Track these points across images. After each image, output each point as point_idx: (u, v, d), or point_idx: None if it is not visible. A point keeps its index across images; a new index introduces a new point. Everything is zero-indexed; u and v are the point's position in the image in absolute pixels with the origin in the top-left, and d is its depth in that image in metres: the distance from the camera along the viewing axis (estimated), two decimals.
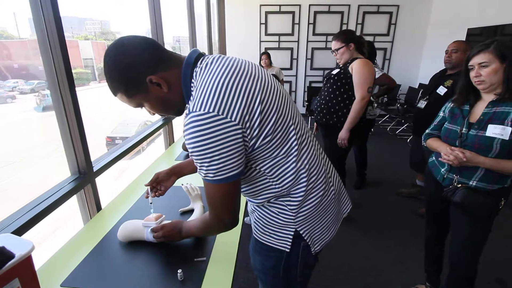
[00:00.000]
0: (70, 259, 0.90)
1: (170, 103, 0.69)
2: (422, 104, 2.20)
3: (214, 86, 0.60)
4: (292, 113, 0.72)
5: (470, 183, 1.19)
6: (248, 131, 0.62)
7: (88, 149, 1.16)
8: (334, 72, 2.03)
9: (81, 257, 0.91)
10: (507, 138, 1.07)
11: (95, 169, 1.22)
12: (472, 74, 1.16)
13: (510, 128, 1.07)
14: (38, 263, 0.86)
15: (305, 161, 0.73)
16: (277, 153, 0.68)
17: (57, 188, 1.04)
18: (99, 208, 1.23)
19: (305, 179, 0.72)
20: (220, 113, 0.58)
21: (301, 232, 0.77)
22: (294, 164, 0.70)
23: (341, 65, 2.03)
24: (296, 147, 0.70)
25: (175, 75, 0.66)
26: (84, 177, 1.15)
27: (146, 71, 0.63)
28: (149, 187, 1.03)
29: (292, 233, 0.77)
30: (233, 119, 0.59)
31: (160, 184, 1.04)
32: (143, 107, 0.71)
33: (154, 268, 0.86)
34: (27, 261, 0.68)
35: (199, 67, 0.65)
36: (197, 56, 0.67)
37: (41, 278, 0.80)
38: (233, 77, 0.62)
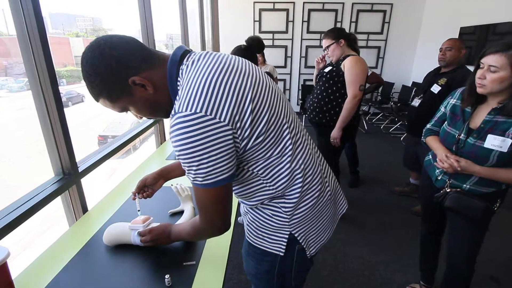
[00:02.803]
0: (52, 265, 0.86)
1: (157, 104, 0.65)
2: (416, 102, 2.20)
3: (201, 84, 0.56)
4: (286, 111, 0.69)
5: (464, 185, 1.17)
6: (238, 132, 0.58)
7: (73, 148, 1.11)
8: (327, 69, 2.01)
9: (63, 263, 0.86)
10: (506, 151, 1.02)
11: (80, 169, 1.17)
12: (478, 73, 1.07)
13: (511, 140, 1.01)
14: (17, 270, 0.82)
15: (300, 161, 0.70)
16: (271, 154, 0.65)
17: (39, 190, 0.99)
18: (85, 210, 1.19)
19: (300, 180, 0.70)
20: (208, 113, 0.54)
21: (296, 235, 0.74)
22: (288, 165, 0.67)
23: (333, 62, 2.01)
24: (290, 147, 0.67)
25: (160, 74, 0.62)
26: (69, 178, 1.10)
27: (128, 72, 0.58)
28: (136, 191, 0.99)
29: (287, 236, 0.74)
30: (222, 119, 0.55)
31: (147, 187, 1.00)
32: (129, 111, 0.67)
33: (140, 274, 0.82)
34: (2, 268, 0.64)
35: (185, 64, 0.61)
36: (183, 53, 0.63)
37: (19, 286, 0.77)
38: (221, 74, 0.58)
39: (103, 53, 0.57)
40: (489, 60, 1.02)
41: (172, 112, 0.58)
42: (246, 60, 0.68)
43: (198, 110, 0.54)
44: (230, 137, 0.57)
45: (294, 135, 0.69)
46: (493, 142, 1.04)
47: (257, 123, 0.60)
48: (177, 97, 0.59)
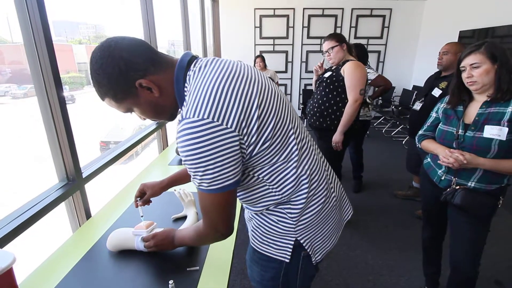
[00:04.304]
0: (56, 270, 0.86)
1: (162, 108, 0.66)
2: (417, 106, 2.21)
3: (209, 90, 0.57)
4: (291, 117, 0.69)
5: (469, 184, 1.18)
6: (245, 138, 0.59)
7: (77, 154, 1.12)
8: (326, 75, 2.03)
9: (68, 268, 0.87)
10: (504, 139, 1.07)
11: (84, 175, 1.18)
12: (464, 75, 1.16)
13: (507, 128, 1.07)
14: (22, 276, 0.82)
15: (306, 167, 0.69)
16: (277, 159, 0.65)
17: (43, 196, 1.00)
18: (88, 215, 1.19)
19: (306, 186, 0.69)
20: (215, 119, 0.55)
21: (301, 241, 0.73)
22: (294, 170, 0.67)
23: (333, 66, 2.03)
24: (296, 152, 0.67)
25: (167, 78, 0.62)
26: (73, 183, 1.11)
27: (136, 75, 0.59)
28: (138, 198, 1.00)
29: (292, 242, 0.73)
30: (229, 125, 0.56)
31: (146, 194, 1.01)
32: (133, 112, 0.68)
33: (144, 279, 0.82)
34: (8, 274, 0.64)
35: (192, 70, 0.62)
36: (190, 59, 0.64)
37: None
38: (228, 80, 0.59)
39: (113, 54, 0.58)
40: (468, 60, 1.13)
41: (179, 117, 0.58)
42: (252, 66, 0.69)
43: (205, 116, 0.54)
44: (237, 143, 0.57)
45: (300, 141, 0.69)
46: (491, 131, 1.10)
47: (263, 129, 0.60)
48: (185, 103, 0.60)
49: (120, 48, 0.58)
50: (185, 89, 0.62)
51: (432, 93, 2.07)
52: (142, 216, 0.97)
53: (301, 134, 0.71)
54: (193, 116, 0.55)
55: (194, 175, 0.59)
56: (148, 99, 0.63)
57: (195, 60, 0.64)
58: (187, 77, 0.62)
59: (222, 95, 0.57)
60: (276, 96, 0.66)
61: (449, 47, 2.02)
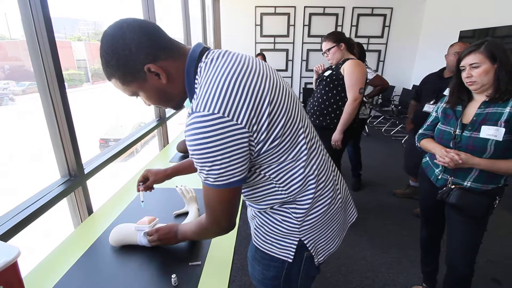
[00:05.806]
0: (60, 265, 0.87)
1: (168, 95, 0.64)
2: (428, 107, 2.17)
3: (220, 85, 0.55)
4: (301, 115, 0.68)
5: (465, 183, 1.19)
6: (255, 135, 0.57)
7: (79, 150, 1.13)
8: (326, 73, 2.03)
9: (71, 263, 0.87)
10: (501, 139, 1.07)
11: (86, 171, 1.19)
12: (463, 75, 1.16)
13: (504, 129, 1.07)
14: (26, 270, 0.83)
15: (314, 167, 0.68)
16: (285, 158, 0.64)
17: (46, 192, 1.00)
18: (90, 211, 1.20)
19: (313, 186, 0.68)
20: (226, 115, 0.53)
21: (305, 241, 0.73)
22: (302, 170, 0.66)
23: (333, 66, 2.03)
24: (305, 152, 0.66)
25: (177, 66, 0.61)
26: (75, 179, 1.11)
27: (145, 59, 0.58)
28: (141, 182, 1.02)
29: (296, 242, 0.72)
30: (239, 121, 0.54)
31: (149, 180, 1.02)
32: (138, 97, 0.66)
33: (147, 273, 0.83)
34: (13, 268, 0.65)
35: (204, 62, 0.61)
36: (202, 50, 0.63)
37: (28, 285, 0.77)
38: (241, 75, 0.57)
39: (124, 35, 0.57)
40: (468, 60, 1.13)
41: (189, 111, 0.57)
42: (263, 62, 0.68)
43: (216, 111, 0.54)
44: (246, 140, 0.57)
45: (309, 140, 0.68)
46: (488, 132, 1.10)
47: (273, 127, 0.59)
48: (195, 96, 0.59)
49: (132, 30, 0.57)
50: (196, 81, 0.61)
51: (445, 93, 2.05)
52: (142, 202, 0.98)
53: (310, 134, 0.70)
54: (203, 110, 0.54)
55: (200, 170, 0.59)
56: (155, 85, 0.62)
57: (207, 52, 0.63)
58: (198, 69, 0.61)
59: (234, 90, 0.55)
60: (287, 94, 0.65)
61: (459, 47, 2.02)
